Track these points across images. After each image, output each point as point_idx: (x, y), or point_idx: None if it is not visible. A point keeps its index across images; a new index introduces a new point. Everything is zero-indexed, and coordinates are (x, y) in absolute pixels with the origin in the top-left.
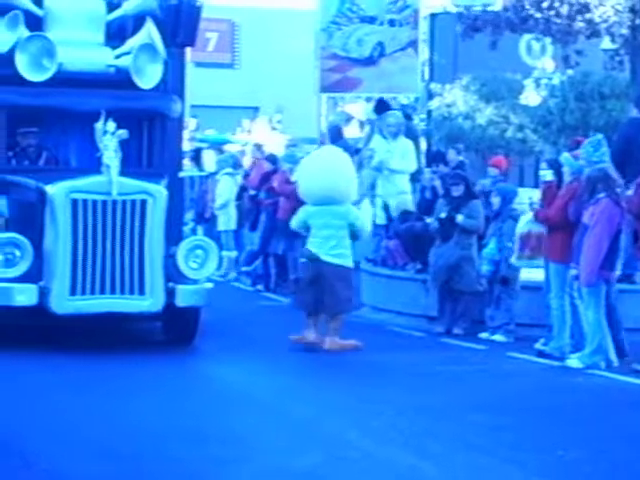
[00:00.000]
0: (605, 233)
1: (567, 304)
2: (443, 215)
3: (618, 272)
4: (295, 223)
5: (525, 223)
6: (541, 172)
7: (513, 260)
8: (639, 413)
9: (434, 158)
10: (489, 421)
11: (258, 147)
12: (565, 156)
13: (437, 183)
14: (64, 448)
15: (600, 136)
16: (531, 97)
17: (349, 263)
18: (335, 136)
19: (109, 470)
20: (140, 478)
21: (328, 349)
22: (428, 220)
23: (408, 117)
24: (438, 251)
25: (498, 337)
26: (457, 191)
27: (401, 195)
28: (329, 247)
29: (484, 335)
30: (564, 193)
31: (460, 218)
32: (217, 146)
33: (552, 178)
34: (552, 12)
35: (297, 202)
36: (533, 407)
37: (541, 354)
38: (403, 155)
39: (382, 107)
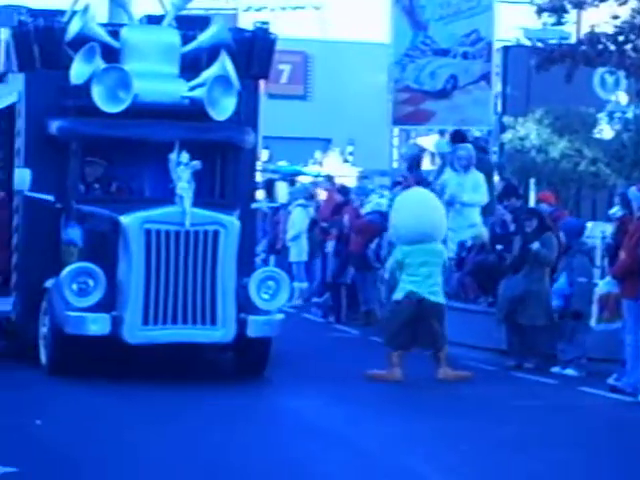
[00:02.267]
0: None
1: None
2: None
3: None
4: (392, 262)
5: (604, 284)
6: (612, 210)
7: (592, 323)
8: None
9: (506, 192)
10: (560, 457)
11: (329, 179)
12: (632, 190)
13: (507, 217)
14: (135, 476)
15: None
16: (605, 131)
17: (444, 300)
18: (414, 166)
19: None
20: None
21: (443, 378)
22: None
23: (483, 150)
24: (507, 283)
25: (569, 371)
26: (530, 226)
27: (471, 229)
28: (429, 285)
29: (556, 369)
30: (634, 230)
31: (536, 245)
32: (289, 177)
33: (621, 213)
34: (628, 46)
35: (370, 235)
36: (605, 444)
37: (614, 389)
38: (474, 188)
39: (458, 138)
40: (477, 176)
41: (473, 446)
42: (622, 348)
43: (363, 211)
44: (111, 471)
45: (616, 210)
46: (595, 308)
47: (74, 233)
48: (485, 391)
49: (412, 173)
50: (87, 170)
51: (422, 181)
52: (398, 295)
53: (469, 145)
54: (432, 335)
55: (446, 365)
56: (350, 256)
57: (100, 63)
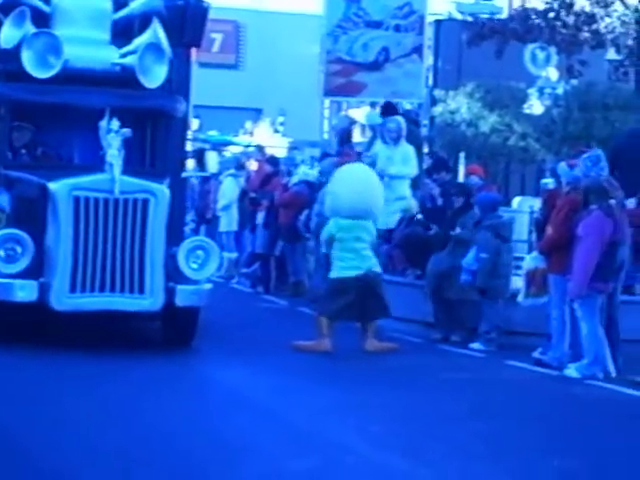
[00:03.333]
0: (595, 245)
1: (567, 314)
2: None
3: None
4: (325, 235)
5: (531, 259)
6: (544, 180)
7: (520, 299)
8: (636, 424)
9: (436, 165)
10: (486, 429)
11: (260, 149)
12: (561, 165)
13: (435, 192)
14: (65, 447)
15: (599, 151)
16: (535, 106)
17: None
18: (344, 139)
19: (104, 468)
20: (137, 477)
21: (371, 350)
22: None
23: (414, 122)
24: (434, 259)
25: (476, 345)
26: (458, 202)
27: (400, 201)
28: (367, 258)
29: (473, 344)
30: (561, 205)
31: (457, 230)
32: (219, 147)
33: (553, 186)
34: (558, 22)
35: (298, 207)
36: (530, 415)
37: (539, 363)
38: (404, 161)
39: (389, 110)
40: (407, 149)
41: (400, 418)
42: (547, 322)
43: (291, 182)
44: (32, 442)
45: (549, 181)
46: (523, 283)
47: (1, 199)
48: (412, 363)
49: (342, 146)
50: (15, 135)
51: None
52: (340, 273)
53: (400, 118)
54: (381, 304)
55: (374, 337)
56: (279, 228)
57: (30, 28)
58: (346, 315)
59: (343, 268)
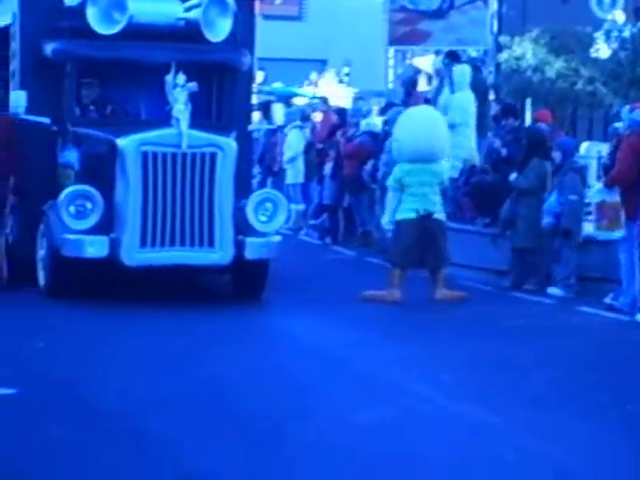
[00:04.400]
0: None
1: (636, 259)
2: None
3: None
4: (392, 181)
5: (597, 192)
6: (615, 124)
7: (592, 230)
8: None
9: (504, 111)
10: (557, 376)
11: (324, 100)
12: (624, 110)
13: (497, 143)
14: (133, 395)
15: None
16: (601, 50)
17: (445, 218)
18: (410, 88)
19: (172, 414)
20: (211, 428)
21: (440, 299)
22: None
23: (477, 69)
24: (504, 207)
25: (556, 291)
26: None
27: (460, 150)
28: (432, 203)
29: (550, 289)
30: (623, 149)
31: (513, 176)
32: (284, 99)
33: (623, 130)
34: None
35: (362, 158)
36: (602, 362)
37: (610, 308)
38: (463, 108)
39: (454, 59)
40: (465, 96)
41: (468, 365)
42: (618, 267)
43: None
44: (110, 394)
45: (619, 125)
46: (593, 216)
47: (71, 156)
48: (482, 311)
49: (409, 95)
50: (83, 92)
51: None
52: (401, 215)
53: (465, 66)
54: (440, 252)
55: (443, 286)
56: (345, 180)
57: None
58: (410, 259)
59: (405, 210)
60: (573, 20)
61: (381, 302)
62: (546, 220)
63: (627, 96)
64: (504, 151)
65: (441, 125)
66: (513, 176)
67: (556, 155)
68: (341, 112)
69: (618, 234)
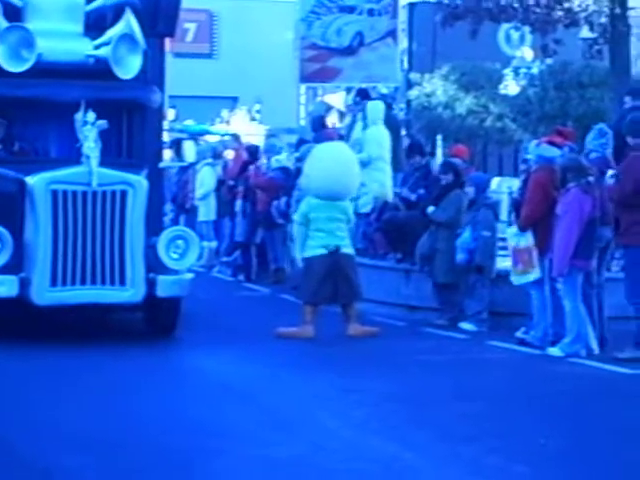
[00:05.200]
0: (574, 222)
1: (548, 293)
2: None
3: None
4: (298, 215)
5: (513, 236)
6: (525, 156)
7: (512, 278)
8: (619, 401)
9: (411, 149)
10: (471, 410)
11: (236, 138)
12: (532, 145)
13: (405, 192)
14: (50, 441)
15: (603, 125)
16: (510, 86)
17: (354, 252)
18: (318, 126)
19: (92, 461)
20: (124, 468)
21: (353, 335)
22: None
23: (389, 106)
24: (420, 241)
25: (469, 326)
26: (445, 180)
27: (376, 184)
28: (339, 238)
29: (463, 325)
30: (531, 187)
31: (430, 209)
32: (196, 136)
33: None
34: (531, 1)
35: (274, 193)
36: (514, 396)
37: (522, 342)
38: (376, 142)
39: (363, 96)
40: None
41: (382, 401)
42: (529, 302)
43: (266, 167)
44: (22, 436)
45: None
46: (510, 261)
47: None
48: (395, 346)
49: (317, 132)
50: None
51: (328, 139)
52: (310, 252)
53: (379, 102)
54: (351, 287)
55: (355, 321)
56: (257, 215)
57: (2, 22)
58: (321, 295)
59: (313, 247)
60: (482, 57)
61: (294, 338)
62: (460, 256)
63: (536, 132)
64: (413, 197)
65: (353, 162)
66: (430, 209)
67: (469, 190)
68: (253, 149)
69: (533, 276)
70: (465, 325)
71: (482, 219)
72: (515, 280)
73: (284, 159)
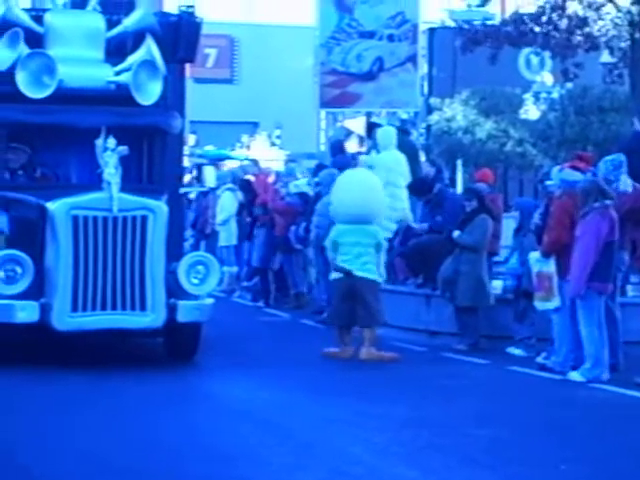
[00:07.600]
0: (591, 245)
1: (568, 318)
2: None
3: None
4: (328, 242)
5: (535, 261)
6: (546, 182)
7: (535, 302)
8: None
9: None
10: (491, 435)
11: (255, 163)
12: (554, 170)
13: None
14: (67, 465)
15: (623, 157)
16: (530, 111)
17: (378, 278)
18: (337, 151)
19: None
20: None
21: (366, 359)
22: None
23: (404, 132)
24: (443, 265)
25: (517, 351)
26: (470, 206)
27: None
28: (361, 263)
29: (512, 350)
30: (555, 213)
31: (456, 233)
32: (216, 162)
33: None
34: (551, 26)
35: (292, 218)
36: (535, 421)
37: (543, 368)
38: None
39: (371, 127)
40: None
41: (403, 426)
42: (550, 327)
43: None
44: (44, 459)
45: (551, 183)
46: (535, 286)
47: (0, 221)
48: (415, 371)
49: (336, 158)
50: (11, 157)
51: (348, 164)
52: (332, 275)
53: (390, 127)
54: (369, 311)
55: (371, 345)
56: (276, 240)
57: (24, 48)
58: (340, 318)
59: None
60: (502, 81)
61: (335, 359)
62: (509, 282)
63: (556, 157)
64: (425, 226)
65: (376, 187)
66: (456, 233)
67: (515, 216)
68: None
69: (553, 304)
70: (514, 350)
71: (529, 244)
72: (539, 306)
73: (303, 184)
